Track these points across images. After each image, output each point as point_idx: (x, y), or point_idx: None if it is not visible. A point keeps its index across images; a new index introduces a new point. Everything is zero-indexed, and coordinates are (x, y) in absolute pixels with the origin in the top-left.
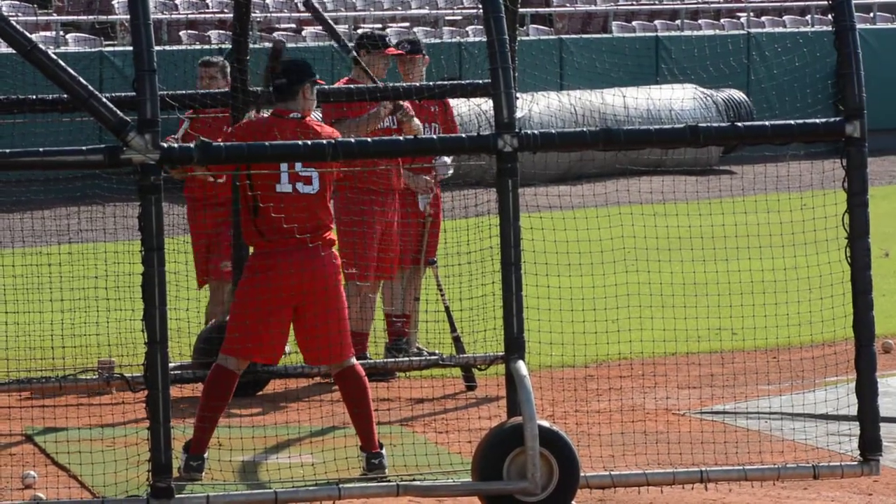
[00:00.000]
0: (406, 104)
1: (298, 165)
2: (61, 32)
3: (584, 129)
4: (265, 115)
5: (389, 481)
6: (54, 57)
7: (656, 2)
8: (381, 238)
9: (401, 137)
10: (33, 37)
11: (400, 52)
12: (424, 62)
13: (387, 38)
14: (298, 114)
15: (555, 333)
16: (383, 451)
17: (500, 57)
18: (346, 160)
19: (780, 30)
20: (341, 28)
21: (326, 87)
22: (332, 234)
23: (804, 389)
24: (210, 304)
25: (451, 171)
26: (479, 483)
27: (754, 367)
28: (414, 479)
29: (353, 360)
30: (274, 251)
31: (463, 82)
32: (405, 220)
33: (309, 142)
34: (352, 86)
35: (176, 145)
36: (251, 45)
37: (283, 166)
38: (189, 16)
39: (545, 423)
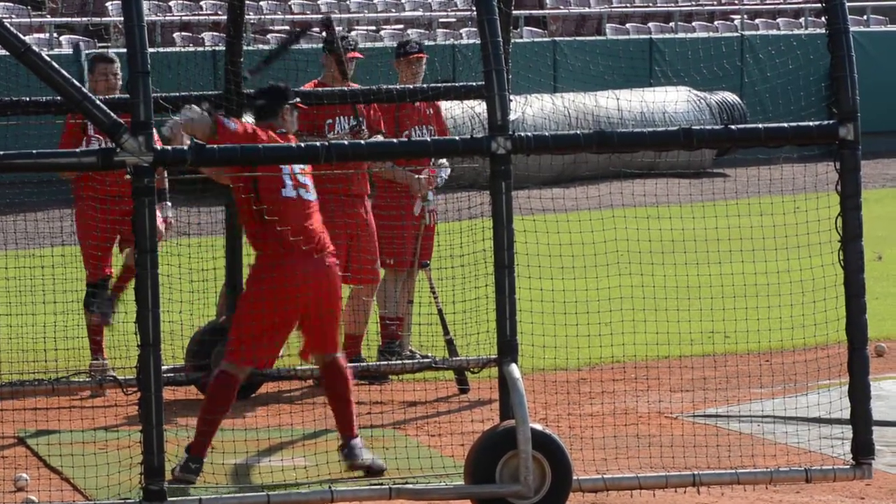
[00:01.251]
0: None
1: (297, 169)
2: (55, 34)
3: (578, 132)
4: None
5: (382, 484)
6: (48, 59)
7: (650, 4)
8: (353, 244)
9: (395, 140)
10: (27, 38)
11: (359, 55)
12: None
13: (349, 40)
14: (283, 130)
15: (548, 336)
16: (351, 444)
17: (494, 59)
18: (340, 162)
19: (774, 32)
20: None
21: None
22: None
23: (797, 393)
24: None
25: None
26: (471, 486)
27: (747, 371)
28: (406, 483)
29: (338, 355)
30: (287, 261)
31: (457, 84)
32: (401, 223)
33: (302, 144)
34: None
35: (169, 148)
36: (245, 48)
37: (286, 170)
38: (183, 18)
39: (538, 427)
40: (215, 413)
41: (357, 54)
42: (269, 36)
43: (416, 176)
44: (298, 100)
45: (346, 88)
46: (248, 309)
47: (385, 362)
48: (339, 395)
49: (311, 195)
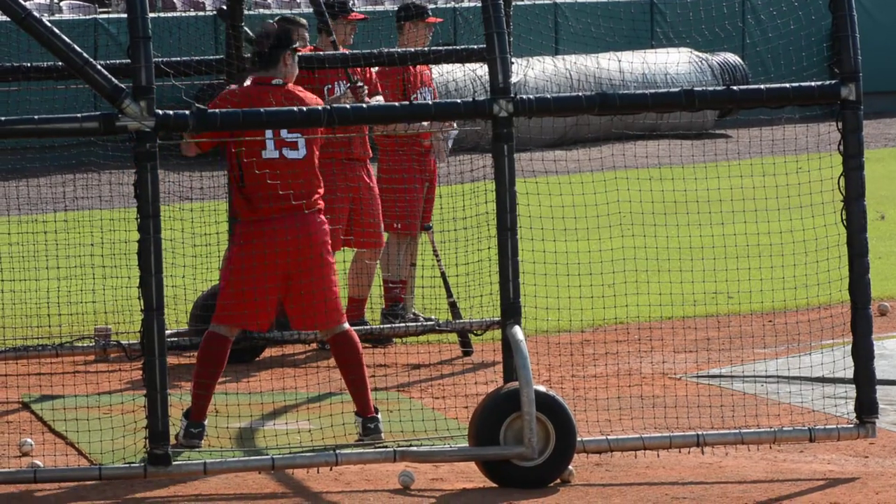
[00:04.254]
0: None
1: (284, 131)
2: (55, 0)
3: (580, 94)
4: (247, 84)
5: (386, 447)
6: (49, 24)
7: None
8: (355, 207)
9: (396, 104)
10: (27, 4)
11: (363, 17)
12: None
13: (349, 5)
14: (280, 80)
15: (551, 298)
16: (379, 416)
17: (496, 22)
18: (342, 126)
19: None
20: None
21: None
22: (321, 201)
23: (800, 352)
24: None
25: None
26: (475, 448)
27: (750, 331)
28: (411, 445)
29: (346, 326)
30: (263, 219)
31: (458, 47)
32: (412, 186)
33: (304, 108)
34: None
35: (171, 112)
36: (245, 12)
37: (269, 132)
38: None
39: (542, 388)
40: (208, 376)
41: (358, 15)
42: (269, 0)
43: (435, 139)
44: (298, 44)
45: (346, 52)
46: (232, 270)
47: (389, 325)
48: (348, 370)
49: (298, 153)
